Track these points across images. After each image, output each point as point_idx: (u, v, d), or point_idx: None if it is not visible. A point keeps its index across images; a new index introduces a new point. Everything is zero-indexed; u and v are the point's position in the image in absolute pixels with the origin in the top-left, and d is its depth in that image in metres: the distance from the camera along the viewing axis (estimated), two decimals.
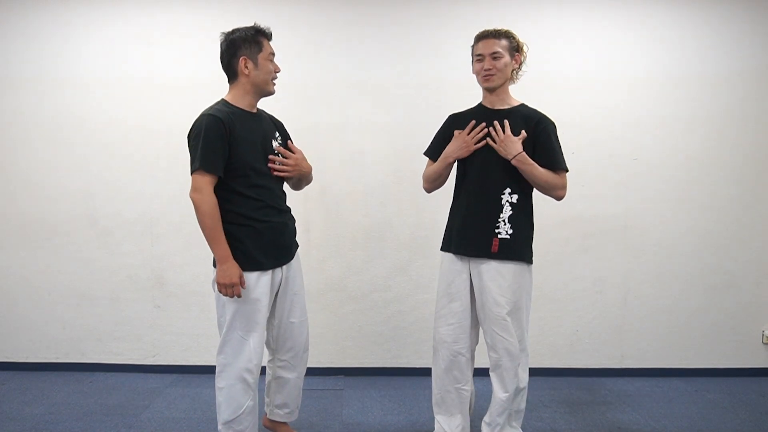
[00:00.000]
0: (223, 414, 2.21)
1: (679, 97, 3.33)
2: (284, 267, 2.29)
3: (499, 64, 2.23)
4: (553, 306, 3.40)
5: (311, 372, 3.29)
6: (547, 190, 2.25)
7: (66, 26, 3.30)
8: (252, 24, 2.23)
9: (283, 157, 2.27)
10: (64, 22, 3.30)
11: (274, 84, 2.26)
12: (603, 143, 3.34)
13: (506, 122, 2.24)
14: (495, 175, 2.26)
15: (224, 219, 2.13)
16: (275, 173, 2.24)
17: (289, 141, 2.35)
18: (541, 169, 2.21)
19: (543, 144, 2.23)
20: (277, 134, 2.33)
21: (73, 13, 3.29)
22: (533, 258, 2.33)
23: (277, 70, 2.25)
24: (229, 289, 2.10)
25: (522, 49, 2.29)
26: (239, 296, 2.12)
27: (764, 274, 3.42)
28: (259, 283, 2.18)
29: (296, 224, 2.40)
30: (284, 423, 2.51)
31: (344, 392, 3.15)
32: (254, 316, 2.18)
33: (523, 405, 2.37)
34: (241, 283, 2.12)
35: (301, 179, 2.39)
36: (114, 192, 3.35)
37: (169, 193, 3.34)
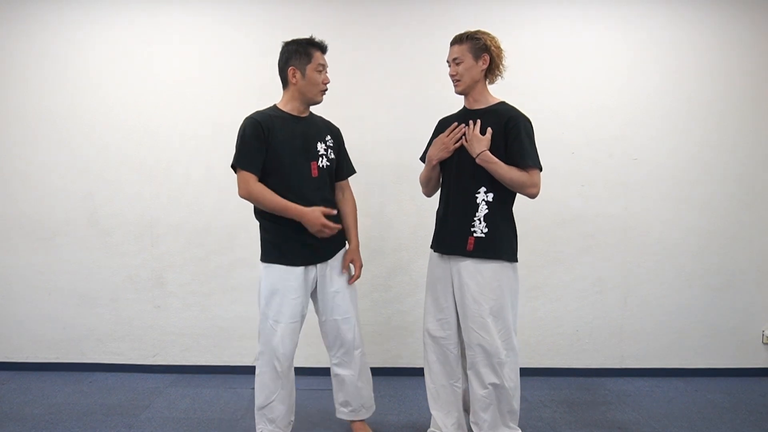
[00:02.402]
0: (257, 399, 2.37)
1: (679, 97, 3.33)
2: (319, 266, 2.38)
3: (460, 69, 2.27)
4: (553, 306, 3.40)
5: (311, 372, 3.31)
6: (516, 189, 2.24)
7: (67, 27, 3.30)
8: (309, 35, 2.37)
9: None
10: (66, 23, 3.30)
11: (323, 94, 2.39)
12: (603, 143, 3.34)
13: (478, 121, 2.25)
14: (470, 174, 2.27)
15: (261, 215, 2.35)
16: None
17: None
18: (505, 168, 2.19)
19: (512, 141, 2.22)
20: (328, 137, 2.43)
21: (74, 14, 3.30)
22: (518, 256, 2.33)
23: (325, 82, 2.37)
24: (323, 229, 2.23)
25: (491, 47, 2.25)
26: (332, 229, 2.25)
27: (764, 274, 3.42)
28: (287, 277, 2.30)
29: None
30: (354, 421, 2.57)
31: None
32: (281, 308, 2.29)
33: (516, 406, 2.34)
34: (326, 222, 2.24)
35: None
36: (114, 192, 3.35)
37: (169, 194, 3.34)
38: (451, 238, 2.31)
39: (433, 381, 2.44)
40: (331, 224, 2.24)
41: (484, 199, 2.25)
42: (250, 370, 3.41)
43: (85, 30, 3.30)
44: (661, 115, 3.33)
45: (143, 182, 3.35)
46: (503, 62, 2.31)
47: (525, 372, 3.39)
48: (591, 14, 3.30)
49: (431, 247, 2.46)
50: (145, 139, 3.33)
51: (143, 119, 3.32)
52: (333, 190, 2.47)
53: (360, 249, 3.33)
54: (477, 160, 2.21)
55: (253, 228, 3.35)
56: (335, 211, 2.33)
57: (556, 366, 3.42)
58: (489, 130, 2.22)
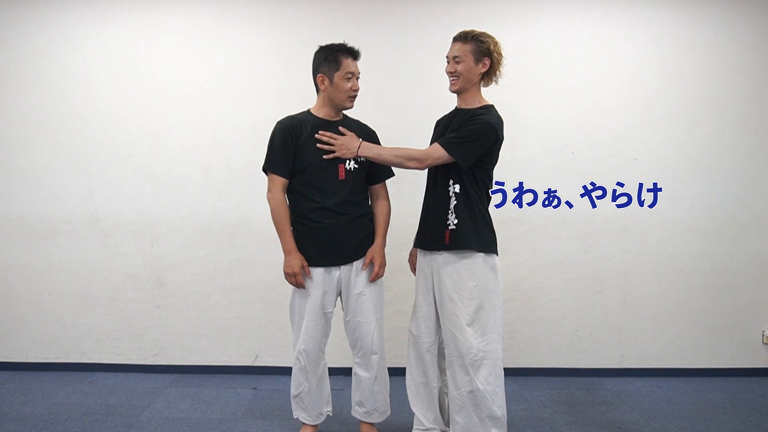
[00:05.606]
0: (291, 388, 2.52)
1: (679, 97, 3.33)
2: (343, 267, 2.41)
3: (460, 67, 2.26)
4: (553, 306, 3.40)
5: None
6: (400, 165, 2.30)
7: (67, 27, 3.30)
8: (341, 41, 2.40)
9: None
10: (66, 23, 3.30)
11: (352, 101, 2.42)
12: (603, 143, 3.34)
13: (342, 129, 2.34)
14: (441, 168, 2.29)
15: (290, 216, 2.41)
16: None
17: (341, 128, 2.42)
18: (386, 148, 2.35)
19: (458, 127, 2.24)
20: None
21: (74, 14, 3.29)
22: (498, 250, 2.31)
23: (354, 89, 2.39)
24: (292, 278, 2.34)
25: (493, 52, 2.24)
26: (303, 286, 2.35)
27: (764, 274, 3.42)
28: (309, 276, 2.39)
29: None
30: (365, 423, 2.58)
31: (344, 392, 3.15)
32: (303, 305, 2.40)
33: (498, 411, 2.22)
34: (307, 273, 2.35)
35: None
36: (114, 192, 3.35)
37: (169, 194, 3.34)
38: (431, 233, 2.32)
39: (412, 378, 2.46)
40: (301, 281, 2.34)
41: (454, 192, 2.27)
42: (250, 370, 3.42)
43: (85, 30, 3.30)
44: (662, 115, 3.33)
45: (143, 182, 3.34)
46: (501, 69, 2.31)
47: (525, 372, 3.41)
48: (591, 14, 3.30)
49: (414, 244, 2.48)
50: (145, 139, 3.33)
51: (143, 119, 3.32)
52: (365, 192, 2.49)
53: None
54: (360, 154, 2.31)
55: (252, 228, 3.38)
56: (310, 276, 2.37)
57: (556, 366, 3.42)
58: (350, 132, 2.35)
